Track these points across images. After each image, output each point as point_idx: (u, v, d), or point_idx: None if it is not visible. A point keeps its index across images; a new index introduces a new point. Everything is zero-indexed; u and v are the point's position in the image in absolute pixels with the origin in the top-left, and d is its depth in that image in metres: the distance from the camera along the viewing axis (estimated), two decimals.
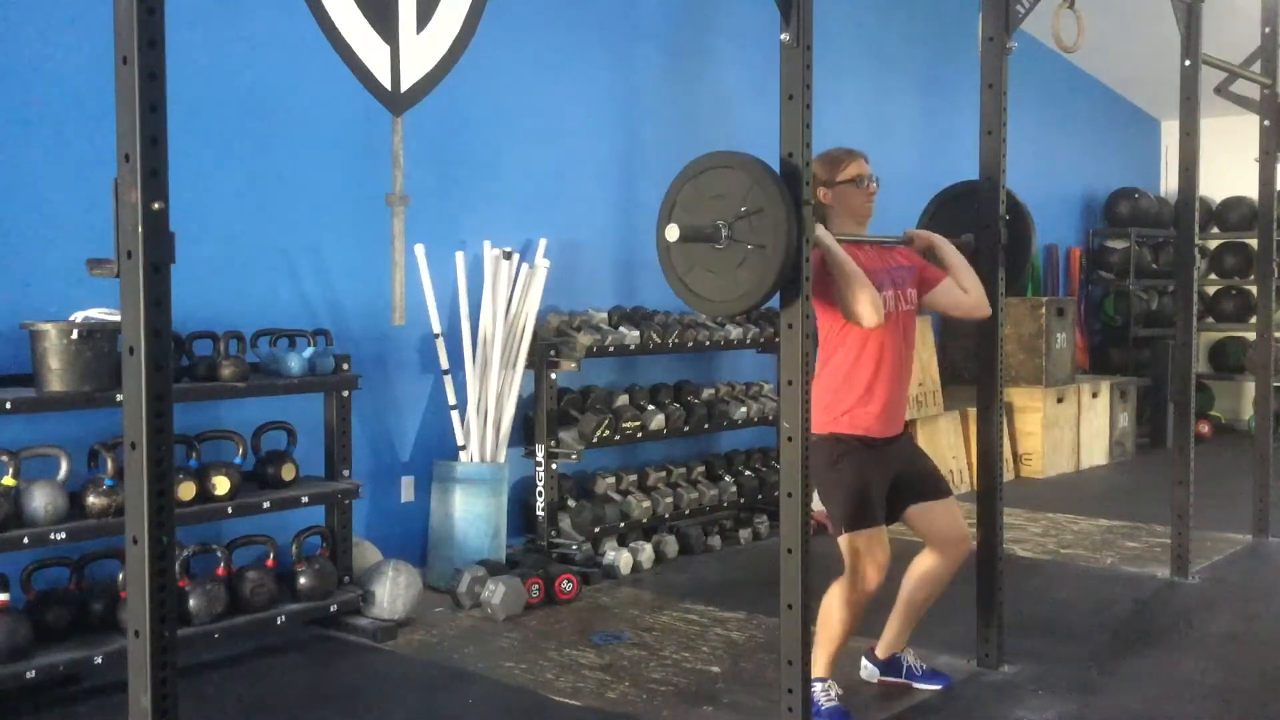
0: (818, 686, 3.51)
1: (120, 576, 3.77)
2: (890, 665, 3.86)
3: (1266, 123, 6.05)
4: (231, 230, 4.48)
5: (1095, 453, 8.39)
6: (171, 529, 2.11)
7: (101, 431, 3.96)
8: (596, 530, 5.31)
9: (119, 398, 3.50)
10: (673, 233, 2.98)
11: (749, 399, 6.10)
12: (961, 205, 4.02)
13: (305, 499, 4.26)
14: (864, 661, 3.91)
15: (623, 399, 5.59)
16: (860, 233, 3.60)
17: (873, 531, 3.47)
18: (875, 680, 3.86)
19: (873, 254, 3.59)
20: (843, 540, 3.50)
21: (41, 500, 3.60)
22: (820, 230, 3.34)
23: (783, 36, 2.90)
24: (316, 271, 4.76)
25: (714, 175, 3.07)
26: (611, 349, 5.39)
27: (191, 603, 3.86)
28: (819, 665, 3.55)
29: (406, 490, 5.12)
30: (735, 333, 5.98)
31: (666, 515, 5.64)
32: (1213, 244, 10.49)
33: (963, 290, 3.66)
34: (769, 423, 6.14)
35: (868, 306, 3.30)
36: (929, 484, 3.65)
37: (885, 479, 3.55)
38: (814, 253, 3.17)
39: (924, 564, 3.71)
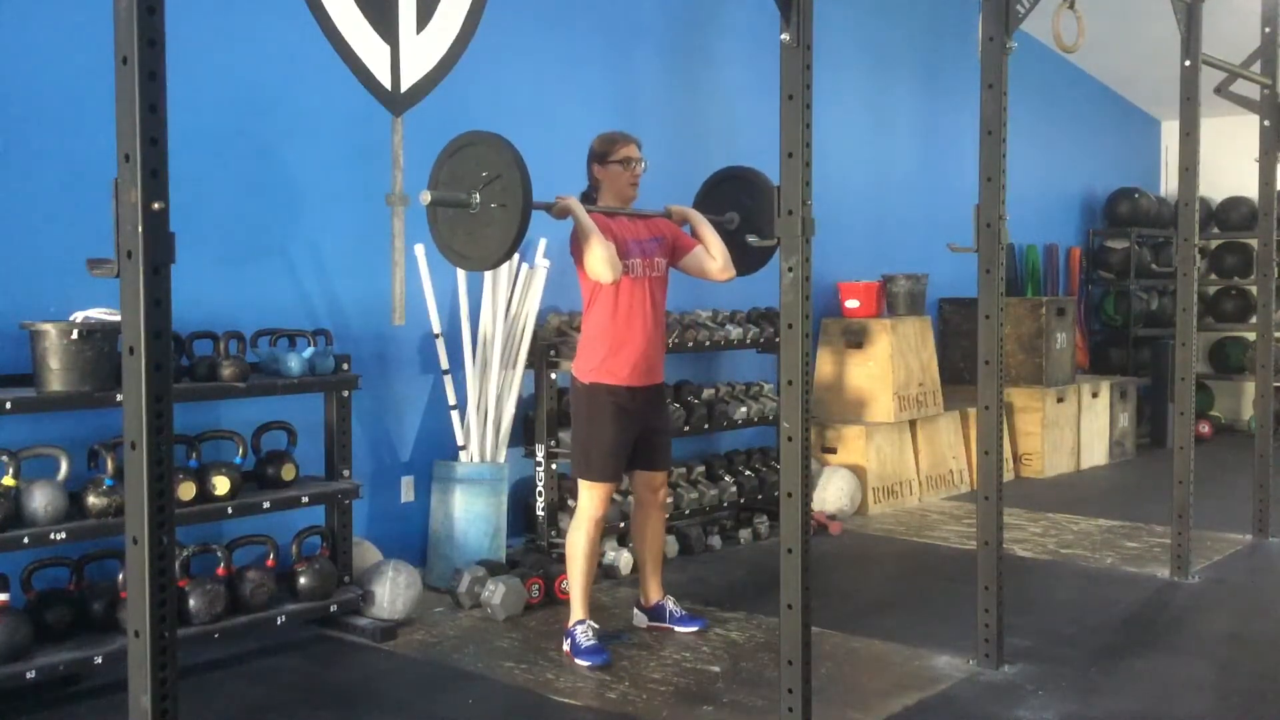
0: (578, 629, 4.11)
1: (120, 576, 3.77)
2: (655, 612, 4.45)
3: (1266, 123, 6.05)
4: (231, 230, 4.49)
5: (1095, 453, 8.39)
6: (171, 529, 2.11)
7: (101, 431, 3.96)
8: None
9: (119, 398, 3.50)
10: (425, 197, 3.47)
11: (749, 399, 6.10)
12: (728, 187, 4.45)
13: (305, 499, 4.26)
14: (635, 611, 4.51)
15: None
16: (622, 208, 4.19)
17: (604, 485, 4.14)
18: (645, 626, 4.44)
19: (626, 227, 4.15)
20: (580, 483, 4.17)
21: (41, 500, 3.60)
22: (569, 200, 3.97)
23: (783, 36, 2.91)
24: (316, 271, 4.76)
25: (466, 152, 3.58)
26: None
27: (191, 603, 3.86)
28: (577, 608, 4.17)
29: (406, 490, 5.12)
30: (735, 333, 5.98)
31: (666, 515, 5.64)
32: (1213, 244, 10.49)
33: (710, 258, 4.19)
34: (769, 423, 6.14)
35: (603, 265, 3.88)
36: (658, 457, 4.31)
37: (630, 436, 4.17)
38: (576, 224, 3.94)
39: (638, 520, 4.44)
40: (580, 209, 3.98)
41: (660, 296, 4.22)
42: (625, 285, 4.04)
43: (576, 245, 4.01)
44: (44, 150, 3.98)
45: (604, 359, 4.11)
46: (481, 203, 3.51)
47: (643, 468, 4.31)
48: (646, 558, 4.47)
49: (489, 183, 3.50)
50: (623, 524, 5.42)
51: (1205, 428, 9.42)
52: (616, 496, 5.31)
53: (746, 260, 4.35)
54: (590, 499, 4.16)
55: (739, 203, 4.39)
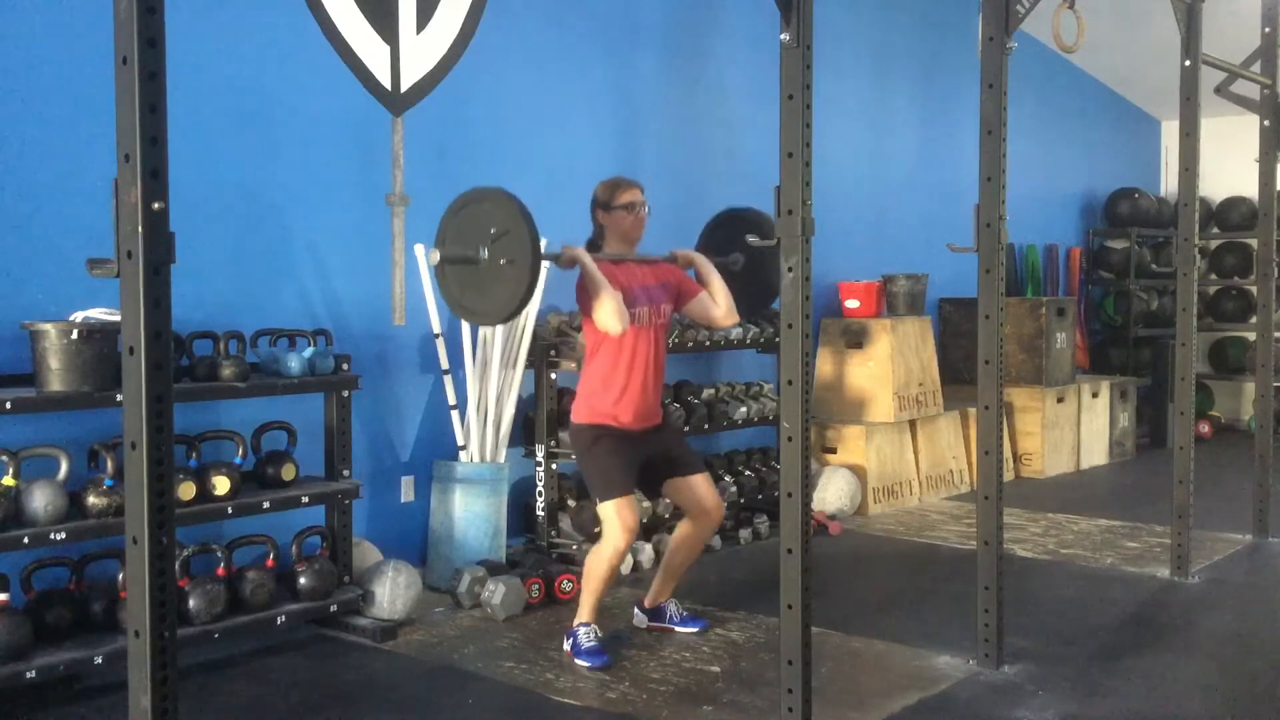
0: (581, 630, 4.10)
1: (120, 576, 3.77)
2: (656, 613, 4.44)
3: (1266, 123, 6.05)
4: (231, 230, 4.49)
5: (1095, 453, 8.39)
6: (171, 529, 2.11)
7: (101, 431, 3.96)
8: (596, 530, 5.28)
9: (119, 398, 3.50)
10: (434, 257, 3.54)
11: (749, 399, 6.10)
12: (729, 229, 4.41)
13: (305, 499, 4.26)
14: (635, 611, 4.49)
15: None
16: (629, 253, 4.17)
17: (621, 500, 4.00)
18: (644, 626, 4.43)
19: (632, 273, 4.13)
20: (600, 508, 4.05)
21: (41, 500, 3.60)
22: (577, 250, 3.96)
23: (783, 36, 2.91)
24: (316, 271, 4.76)
25: (473, 209, 3.59)
26: None
27: (191, 603, 3.86)
28: (584, 612, 4.14)
29: (406, 490, 5.12)
30: (735, 333, 5.98)
31: (666, 515, 5.64)
32: (1213, 244, 10.49)
33: (715, 304, 4.19)
34: (769, 423, 6.15)
35: (612, 318, 3.85)
36: (681, 463, 4.22)
37: (638, 458, 4.11)
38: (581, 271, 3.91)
39: (682, 531, 4.33)
40: (588, 259, 3.94)
41: (663, 344, 4.20)
42: (630, 334, 4.00)
43: (584, 295, 3.97)
44: (44, 150, 3.98)
45: (602, 407, 4.07)
46: (490, 258, 3.49)
47: (671, 475, 4.22)
48: (675, 562, 4.38)
49: (498, 239, 3.48)
50: None
51: (1205, 428, 9.42)
52: None
53: (750, 304, 4.36)
54: (613, 523, 3.98)
55: (742, 242, 4.32)
